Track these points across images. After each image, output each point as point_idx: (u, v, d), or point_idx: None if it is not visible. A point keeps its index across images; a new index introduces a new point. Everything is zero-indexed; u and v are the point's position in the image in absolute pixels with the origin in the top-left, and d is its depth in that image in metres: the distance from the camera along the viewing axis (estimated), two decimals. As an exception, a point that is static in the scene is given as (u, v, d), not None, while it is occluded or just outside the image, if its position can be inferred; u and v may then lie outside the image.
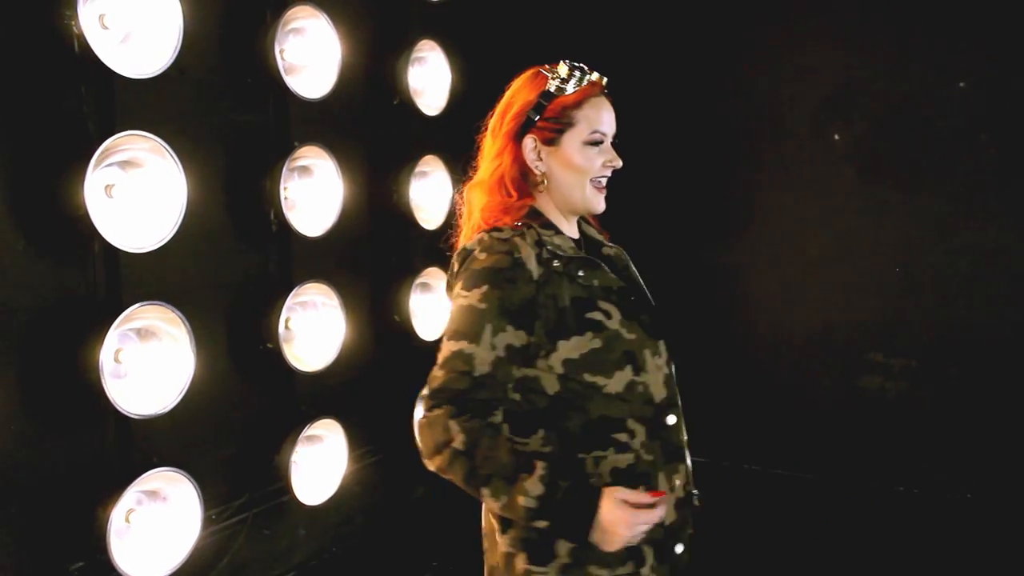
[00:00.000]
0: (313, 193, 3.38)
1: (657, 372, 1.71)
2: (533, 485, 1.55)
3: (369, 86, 3.69)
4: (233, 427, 3.21)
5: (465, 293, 1.66)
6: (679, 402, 1.80)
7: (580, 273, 1.71)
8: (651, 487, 1.69)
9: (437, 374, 1.64)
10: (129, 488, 2.71)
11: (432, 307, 3.98)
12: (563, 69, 1.76)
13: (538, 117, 1.75)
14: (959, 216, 4.14)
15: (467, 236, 1.82)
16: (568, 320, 1.66)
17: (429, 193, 3.92)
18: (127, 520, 2.81)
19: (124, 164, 2.77)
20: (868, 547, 3.88)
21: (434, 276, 3.98)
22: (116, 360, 2.77)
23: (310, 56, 3.32)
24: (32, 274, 2.63)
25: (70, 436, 2.75)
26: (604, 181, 1.79)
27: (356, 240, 3.62)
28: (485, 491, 1.58)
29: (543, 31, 4.57)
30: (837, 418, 4.42)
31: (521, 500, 1.55)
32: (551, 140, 1.75)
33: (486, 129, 1.85)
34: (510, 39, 4.55)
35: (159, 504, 2.89)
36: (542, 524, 1.57)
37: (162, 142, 2.73)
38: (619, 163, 1.79)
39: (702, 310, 4.40)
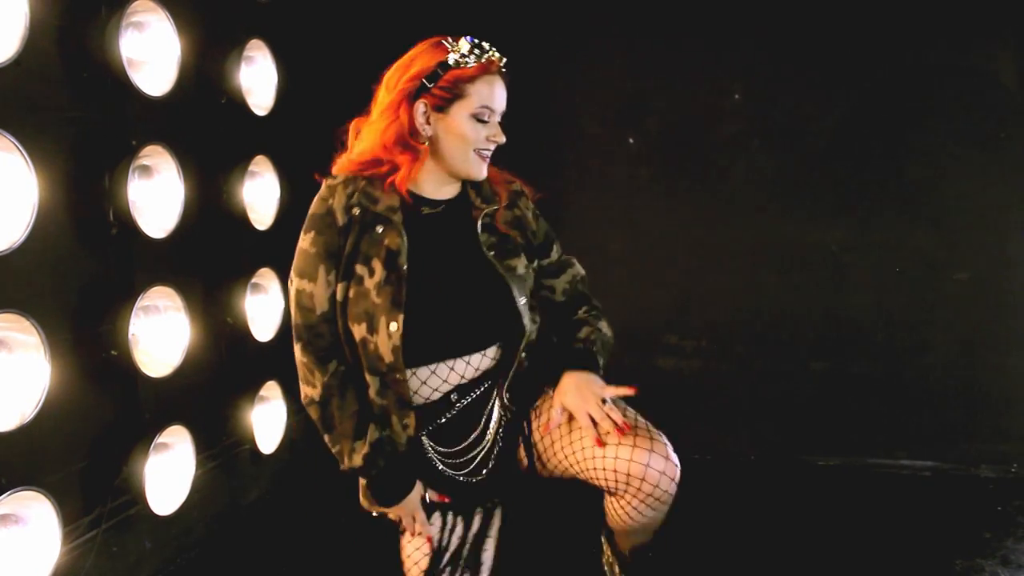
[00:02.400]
0: (153, 194, 3.27)
1: (387, 339, 1.84)
2: (359, 457, 1.93)
3: (198, 85, 3.59)
4: (81, 439, 3.04)
5: (303, 236, 1.92)
6: (403, 366, 1.95)
7: (378, 229, 1.86)
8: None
9: (292, 310, 1.95)
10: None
11: (266, 307, 3.94)
12: (464, 45, 1.94)
13: (432, 84, 1.89)
14: (736, 211, 4.70)
15: (339, 166, 1.95)
16: (345, 266, 1.85)
17: (260, 194, 3.88)
18: (-23, 549, 2.61)
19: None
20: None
21: (266, 277, 3.94)
22: (-38, 375, 2.57)
23: (148, 52, 3.20)
24: None
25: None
26: (487, 153, 1.95)
27: (190, 242, 3.52)
28: (327, 436, 1.95)
29: (367, 34, 4.64)
30: (641, 396, 4.84)
31: (347, 461, 1.94)
32: (440, 107, 1.91)
33: (381, 80, 1.98)
34: (335, 40, 4.58)
35: (13, 528, 2.69)
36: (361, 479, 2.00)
37: (12, 138, 2.56)
38: (502, 139, 1.99)
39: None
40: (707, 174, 4.73)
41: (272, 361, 3.93)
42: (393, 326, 1.83)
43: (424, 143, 1.91)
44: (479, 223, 2.03)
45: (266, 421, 3.92)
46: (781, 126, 4.66)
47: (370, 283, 1.83)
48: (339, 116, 4.63)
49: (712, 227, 4.70)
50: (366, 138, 1.94)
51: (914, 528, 4.03)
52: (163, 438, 3.28)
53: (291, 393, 4.08)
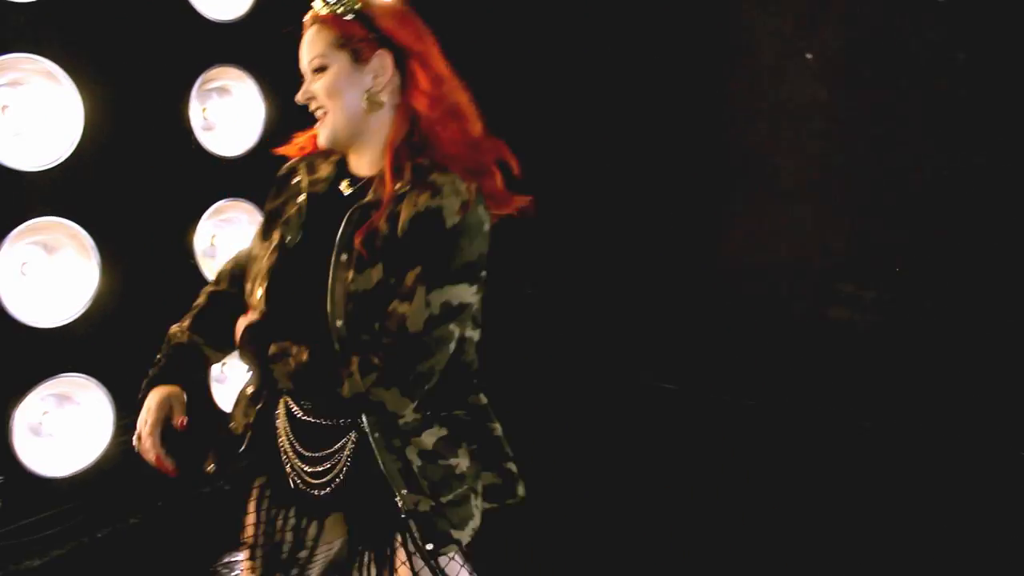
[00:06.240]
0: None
1: (253, 307, 1.74)
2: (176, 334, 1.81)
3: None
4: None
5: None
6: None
7: (299, 198, 1.77)
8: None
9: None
10: None
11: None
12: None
13: None
14: (932, 138, 3.95)
15: None
16: (266, 225, 1.80)
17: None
18: None
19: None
20: (837, 481, 3.79)
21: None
22: None
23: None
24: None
25: None
26: (316, 114, 1.72)
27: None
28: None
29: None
30: (806, 348, 4.36)
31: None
32: None
33: None
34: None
35: None
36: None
37: (52, 65, 2.70)
38: (298, 96, 1.71)
39: (678, 246, 4.37)
40: (901, 93, 4.00)
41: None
42: (259, 292, 1.70)
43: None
44: (347, 214, 1.68)
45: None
46: (996, 37, 3.83)
47: (266, 244, 1.75)
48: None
49: (903, 157, 4.00)
50: None
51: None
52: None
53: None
